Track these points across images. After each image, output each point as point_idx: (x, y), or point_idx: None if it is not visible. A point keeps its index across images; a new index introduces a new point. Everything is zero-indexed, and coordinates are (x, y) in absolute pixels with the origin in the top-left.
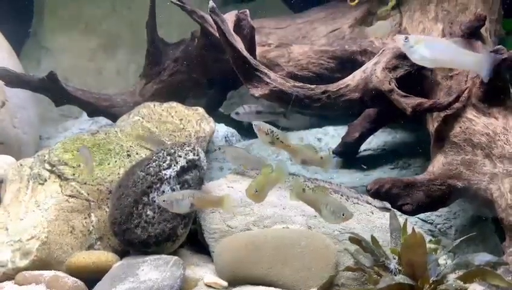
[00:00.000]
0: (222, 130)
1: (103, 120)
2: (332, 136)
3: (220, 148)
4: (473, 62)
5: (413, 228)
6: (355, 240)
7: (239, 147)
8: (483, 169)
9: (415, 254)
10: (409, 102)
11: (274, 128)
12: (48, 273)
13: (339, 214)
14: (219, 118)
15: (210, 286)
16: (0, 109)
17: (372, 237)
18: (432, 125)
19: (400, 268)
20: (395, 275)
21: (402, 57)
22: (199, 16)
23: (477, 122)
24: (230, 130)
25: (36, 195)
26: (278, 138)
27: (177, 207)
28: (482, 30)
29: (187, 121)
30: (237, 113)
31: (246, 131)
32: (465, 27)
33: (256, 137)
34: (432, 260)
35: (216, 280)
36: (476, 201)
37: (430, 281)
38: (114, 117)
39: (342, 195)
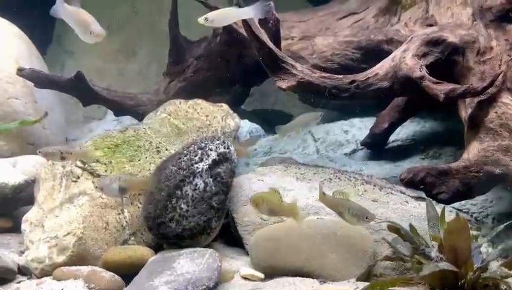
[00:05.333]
0: (246, 125)
1: (127, 120)
2: (359, 128)
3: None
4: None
5: (456, 213)
6: (394, 228)
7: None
8: None
9: (459, 239)
10: (441, 88)
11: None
12: (85, 269)
13: (362, 217)
14: (241, 114)
15: (246, 278)
16: (31, 111)
17: (411, 226)
18: (465, 111)
19: (441, 256)
20: (437, 263)
21: (432, 43)
22: None
23: None
24: (255, 126)
25: (70, 192)
26: (68, 153)
27: (109, 191)
28: None
29: (213, 117)
30: None
31: (270, 126)
32: (496, 10)
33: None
34: (475, 247)
35: (252, 272)
36: None
37: (474, 268)
38: (139, 116)
39: (374, 185)
